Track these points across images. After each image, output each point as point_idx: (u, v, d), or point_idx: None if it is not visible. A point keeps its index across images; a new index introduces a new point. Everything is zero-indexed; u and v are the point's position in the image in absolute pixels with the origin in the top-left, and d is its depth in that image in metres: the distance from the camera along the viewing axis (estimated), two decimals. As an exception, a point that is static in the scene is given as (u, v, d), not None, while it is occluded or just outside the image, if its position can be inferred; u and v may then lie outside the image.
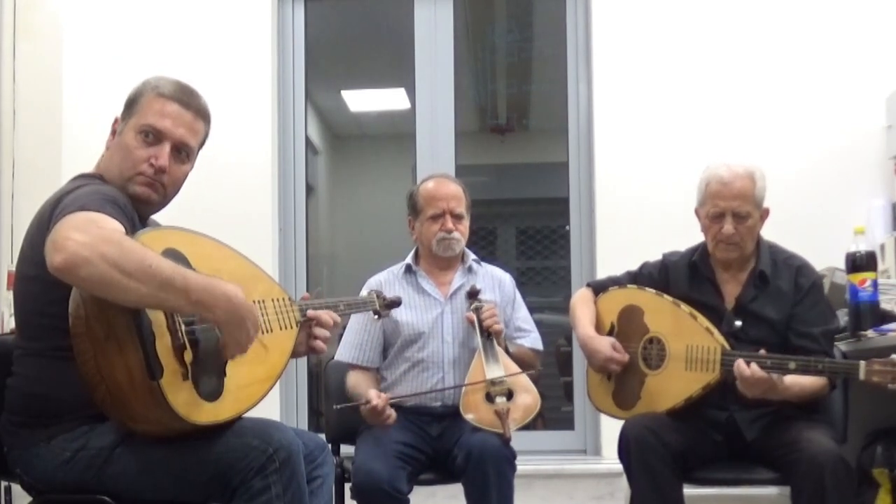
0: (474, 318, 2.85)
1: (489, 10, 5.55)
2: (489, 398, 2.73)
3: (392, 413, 2.75)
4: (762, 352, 2.54)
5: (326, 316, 2.27)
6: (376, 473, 2.60)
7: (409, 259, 3.09)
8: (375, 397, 2.74)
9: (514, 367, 2.81)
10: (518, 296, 3.13)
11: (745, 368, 2.49)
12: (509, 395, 2.74)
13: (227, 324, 1.85)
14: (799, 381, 2.57)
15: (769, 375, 2.48)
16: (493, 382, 2.73)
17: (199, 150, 2.17)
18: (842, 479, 2.43)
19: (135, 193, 2.04)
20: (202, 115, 2.14)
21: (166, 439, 1.89)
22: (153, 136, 2.06)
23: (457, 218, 2.98)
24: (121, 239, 1.76)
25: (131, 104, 2.09)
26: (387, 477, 2.60)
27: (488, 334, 2.83)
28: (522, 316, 3.11)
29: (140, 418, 1.84)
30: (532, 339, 3.07)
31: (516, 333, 3.06)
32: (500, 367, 2.77)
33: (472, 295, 2.92)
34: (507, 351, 2.89)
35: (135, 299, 1.74)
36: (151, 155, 2.05)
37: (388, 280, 3.05)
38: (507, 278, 3.13)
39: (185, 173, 2.13)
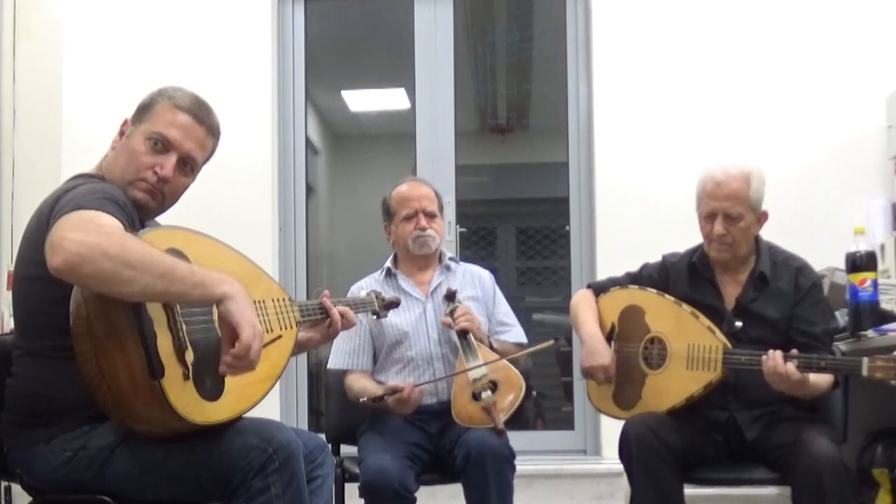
0: (450, 321, 2.88)
1: (489, 10, 5.55)
2: (475, 397, 2.76)
3: (418, 395, 2.79)
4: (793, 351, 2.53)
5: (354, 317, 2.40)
6: (387, 472, 2.60)
7: (388, 263, 3.12)
8: (401, 384, 2.77)
9: (494, 358, 2.82)
10: (498, 291, 3.15)
11: (781, 365, 2.48)
12: (493, 387, 2.76)
13: (232, 300, 1.84)
14: (817, 378, 2.56)
15: (804, 377, 2.47)
16: (474, 380, 2.76)
17: (203, 165, 2.17)
18: (841, 480, 2.43)
19: (134, 198, 2.03)
20: (213, 132, 2.13)
21: (167, 439, 1.89)
22: (161, 144, 2.05)
23: (430, 216, 3.01)
24: (120, 234, 1.77)
25: (144, 109, 2.09)
26: (397, 475, 2.60)
27: (464, 334, 2.85)
28: (503, 311, 3.13)
29: (141, 418, 1.84)
30: (515, 334, 3.09)
31: (499, 328, 3.08)
32: (480, 363, 2.79)
33: (450, 297, 2.94)
34: (490, 347, 2.91)
35: (139, 291, 1.74)
36: (157, 163, 2.04)
37: (369, 286, 3.06)
38: (486, 275, 3.16)
39: (185, 185, 2.13)
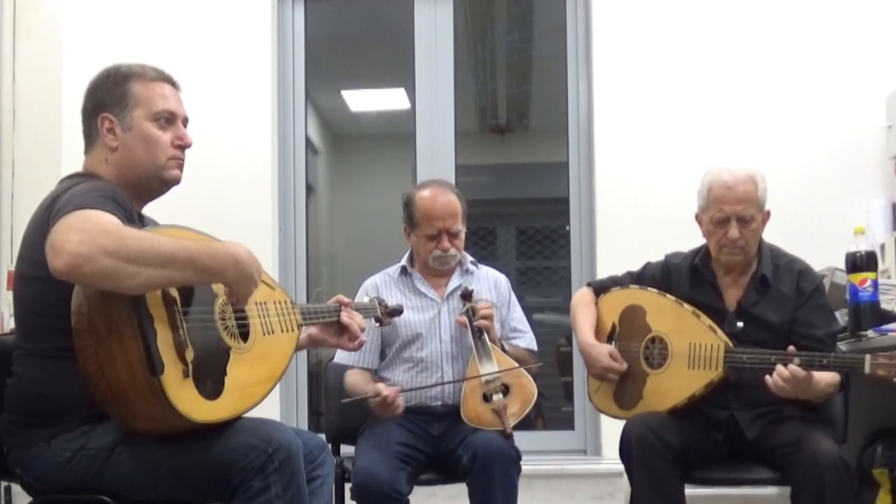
0: (465, 320, 2.86)
1: (489, 10, 5.55)
2: (486, 398, 2.74)
3: (402, 403, 2.77)
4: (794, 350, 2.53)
5: (356, 327, 2.44)
6: (377, 474, 2.60)
7: (404, 261, 3.09)
8: (385, 389, 2.76)
9: (508, 362, 2.81)
10: (513, 297, 3.14)
11: (784, 370, 2.47)
12: (505, 390, 2.75)
13: (237, 283, 1.90)
14: (825, 378, 2.55)
15: (808, 373, 2.46)
16: (486, 381, 2.74)
17: None
18: (842, 480, 2.44)
19: (172, 177, 2.12)
20: (179, 87, 2.21)
21: (166, 438, 1.90)
22: (165, 119, 2.11)
23: (453, 235, 2.97)
24: (117, 229, 1.77)
25: (121, 97, 2.09)
26: (387, 478, 2.60)
27: (479, 334, 2.83)
28: (517, 317, 3.12)
29: (140, 416, 1.84)
30: (527, 340, 3.08)
31: (512, 334, 3.07)
32: (494, 365, 2.78)
33: (466, 297, 2.92)
34: (503, 349, 2.90)
35: (143, 283, 1.75)
36: (175, 136, 2.12)
37: (384, 282, 3.06)
38: (502, 279, 3.14)
39: None
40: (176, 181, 2.14)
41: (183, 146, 2.13)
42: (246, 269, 1.90)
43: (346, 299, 2.48)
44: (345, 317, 2.42)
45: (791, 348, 2.53)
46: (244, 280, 1.91)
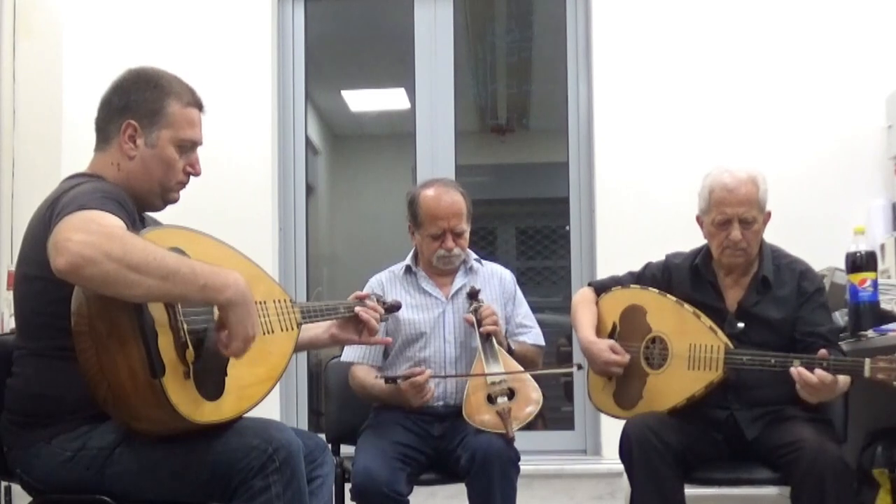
0: (473, 319, 2.85)
1: (489, 10, 5.55)
2: (490, 399, 2.73)
3: (432, 388, 2.79)
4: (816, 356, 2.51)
5: (374, 323, 2.52)
6: (376, 475, 2.60)
7: (408, 260, 3.09)
8: (420, 372, 2.77)
9: (515, 366, 2.80)
10: (519, 292, 3.13)
11: (811, 375, 2.43)
12: (511, 394, 2.73)
13: (234, 306, 1.85)
14: (844, 379, 2.52)
15: (835, 377, 2.43)
16: (492, 383, 2.73)
17: None
18: (841, 480, 2.44)
19: (172, 199, 2.15)
20: (205, 112, 2.21)
21: (167, 438, 1.90)
22: (188, 147, 2.14)
23: (457, 235, 2.96)
24: (122, 234, 1.76)
25: (154, 113, 2.08)
26: (386, 479, 2.60)
27: (487, 336, 2.83)
28: (524, 312, 3.11)
29: (141, 417, 1.84)
30: (534, 336, 3.07)
31: (518, 330, 3.06)
32: (500, 367, 2.77)
33: (472, 296, 2.91)
34: (509, 350, 2.89)
35: (142, 293, 1.74)
36: (187, 163, 2.14)
37: (389, 279, 3.06)
38: (507, 275, 3.13)
39: None
40: (173, 202, 2.17)
41: (192, 174, 2.16)
42: (246, 293, 1.87)
43: (362, 293, 2.56)
44: (363, 312, 2.48)
45: (822, 352, 2.50)
46: (243, 303, 1.86)
